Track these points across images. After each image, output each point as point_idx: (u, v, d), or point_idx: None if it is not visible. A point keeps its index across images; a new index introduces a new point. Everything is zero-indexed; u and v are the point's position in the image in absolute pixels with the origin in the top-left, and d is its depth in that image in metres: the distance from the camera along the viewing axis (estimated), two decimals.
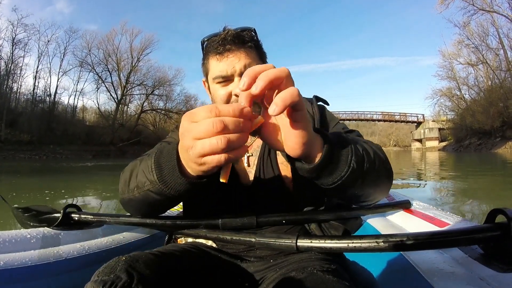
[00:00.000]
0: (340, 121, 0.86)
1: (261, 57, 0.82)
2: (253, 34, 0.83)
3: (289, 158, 0.54)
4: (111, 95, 37.00)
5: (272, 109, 0.41)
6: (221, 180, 0.47)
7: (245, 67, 0.76)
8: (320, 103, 0.89)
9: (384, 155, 0.65)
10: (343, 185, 0.54)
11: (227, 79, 0.77)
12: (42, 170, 12.06)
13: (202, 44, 0.84)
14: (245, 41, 0.78)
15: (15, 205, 0.98)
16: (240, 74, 0.76)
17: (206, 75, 0.83)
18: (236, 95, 0.76)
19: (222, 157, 0.44)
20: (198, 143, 0.44)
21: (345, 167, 0.53)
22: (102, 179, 8.40)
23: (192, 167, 0.51)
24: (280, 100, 0.41)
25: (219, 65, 0.77)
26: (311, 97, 0.90)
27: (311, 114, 0.84)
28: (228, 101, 0.78)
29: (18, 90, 30.68)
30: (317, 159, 0.51)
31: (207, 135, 0.43)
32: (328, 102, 0.91)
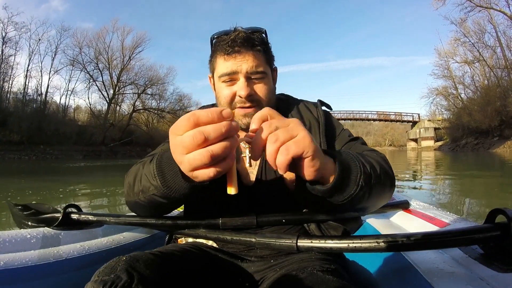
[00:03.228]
0: (345, 128, 0.88)
1: (268, 61, 0.83)
2: (263, 36, 0.83)
3: (301, 180, 0.56)
4: (102, 94, 36.33)
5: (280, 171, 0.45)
6: (229, 193, 0.47)
7: (252, 68, 0.76)
8: (324, 107, 0.90)
9: (388, 165, 0.69)
10: (352, 201, 0.58)
11: (232, 79, 0.78)
12: (31, 171, 11.77)
13: (211, 40, 0.84)
14: (255, 45, 0.78)
15: (13, 202, 0.97)
16: (246, 75, 0.76)
17: (213, 72, 0.84)
18: (240, 96, 0.76)
19: (210, 171, 0.44)
20: (185, 159, 0.44)
21: (354, 186, 0.56)
22: (94, 179, 8.32)
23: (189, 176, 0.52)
24: (279, 164, 0.44)
25: (225, 64, 0.77)
26: (316, 101, 0.92)
27: (316, 117, 0.85)
28: (232, 101, 0.79)
29: (9, 89, 30.09)
30: (330, 181, 0.54)
31: (191, 149, 0.42)
32: (331, 107, 0.93)
